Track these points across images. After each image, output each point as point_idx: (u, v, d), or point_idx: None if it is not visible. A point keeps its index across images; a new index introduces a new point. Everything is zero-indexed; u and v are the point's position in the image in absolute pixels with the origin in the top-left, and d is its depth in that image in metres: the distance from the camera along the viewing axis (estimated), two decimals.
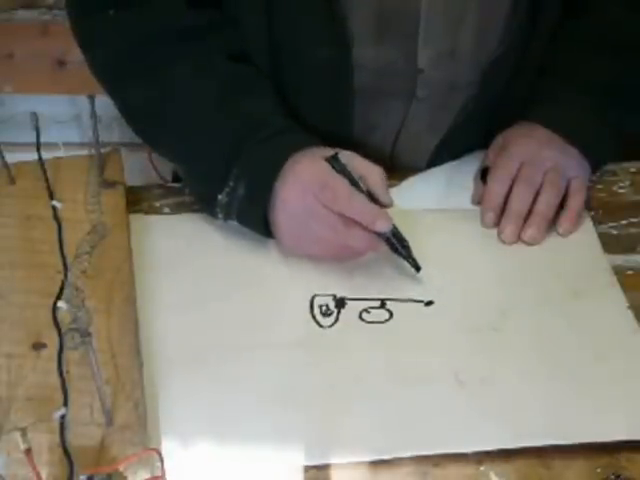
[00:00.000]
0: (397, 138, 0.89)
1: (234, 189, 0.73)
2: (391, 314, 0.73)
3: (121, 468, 0.58)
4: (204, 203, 0.78)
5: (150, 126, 0.80)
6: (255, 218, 0.74)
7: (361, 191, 0.72)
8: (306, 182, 0.71)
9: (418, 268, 0.74)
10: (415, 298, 0.74)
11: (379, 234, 0.72)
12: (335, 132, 0.84)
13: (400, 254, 0.74)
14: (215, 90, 0.77)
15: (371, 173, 0.74)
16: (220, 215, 0.75)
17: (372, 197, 0.73)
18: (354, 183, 0.72)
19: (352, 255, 0.75)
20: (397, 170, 0.88)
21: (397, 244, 0.73)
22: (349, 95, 0.83)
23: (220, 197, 0.74)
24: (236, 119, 0.76)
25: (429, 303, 0.74)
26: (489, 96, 0.86)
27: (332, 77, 0.81)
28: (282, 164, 0.72)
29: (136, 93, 0.78)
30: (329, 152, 0.73)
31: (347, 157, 0.73)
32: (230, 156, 0.74)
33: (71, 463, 0.58)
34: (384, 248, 0.73)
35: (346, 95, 0.83)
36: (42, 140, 0.80)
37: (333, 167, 0.72)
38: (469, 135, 0.88)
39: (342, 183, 0.71)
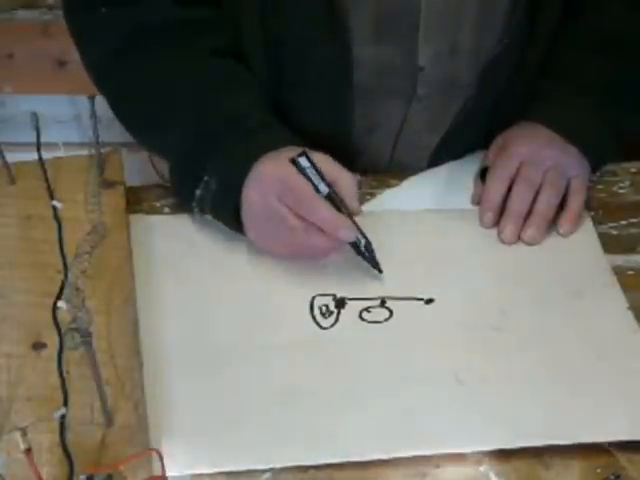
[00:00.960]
0: (397, 137, 0.89)
1: (208, 183, 0.74)
2: (391, 313, 0.73)
3: (121, 468, 0.58)
4: (182, 197, 0.78)
5: (134, 120, 0.82)
6: (227, 215, 0.75)
7: (322, 194, 0.71)
8: (267, 184, 0.71)
9: (380, 271, 0.74)
10: (415, 296, 0.74)
11: None
12: (335, 132, 0.84)
13: (363, 257, 0.74)
14: (194, 86, 0.78)
15: (342, 178, 0.73)
16: (196, 209, 0.76)
17: (335, 201, 0.72)
18: (315, 185, 0.71)
19: (315, 255, 0.74)
20: (397, 170, 0.88)
21: (360, 248, 0.73)
22: (349, 94, 0.83)
23: (197, 192, 0.74)
24: (212, 115, 0.76)
25: (429, 301, 0.74)
26: (489, 95, 0.86)
27: (332, 75, 0.81)
28: (250, 166, 0.72)
29: (121, 88, 0.80)
30: (297, 152, 0.72)
31: (319, 159, 0.72)
32: (205, 152, 0.74)
33: (71, 463, 0.58)
34: (348, 249, 0.74)
35: (346, 94, 0.83)
36: (42, 140, 0.80)
37: (297, 168, 0.71)
38: (469, 135, 0.88)
39: (305, 186, 0.71)
